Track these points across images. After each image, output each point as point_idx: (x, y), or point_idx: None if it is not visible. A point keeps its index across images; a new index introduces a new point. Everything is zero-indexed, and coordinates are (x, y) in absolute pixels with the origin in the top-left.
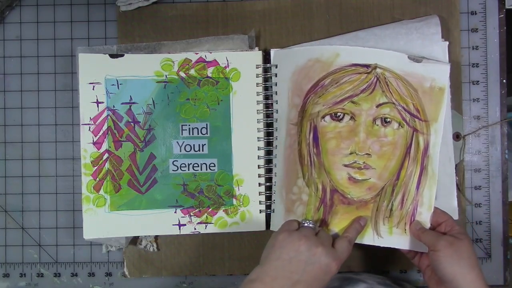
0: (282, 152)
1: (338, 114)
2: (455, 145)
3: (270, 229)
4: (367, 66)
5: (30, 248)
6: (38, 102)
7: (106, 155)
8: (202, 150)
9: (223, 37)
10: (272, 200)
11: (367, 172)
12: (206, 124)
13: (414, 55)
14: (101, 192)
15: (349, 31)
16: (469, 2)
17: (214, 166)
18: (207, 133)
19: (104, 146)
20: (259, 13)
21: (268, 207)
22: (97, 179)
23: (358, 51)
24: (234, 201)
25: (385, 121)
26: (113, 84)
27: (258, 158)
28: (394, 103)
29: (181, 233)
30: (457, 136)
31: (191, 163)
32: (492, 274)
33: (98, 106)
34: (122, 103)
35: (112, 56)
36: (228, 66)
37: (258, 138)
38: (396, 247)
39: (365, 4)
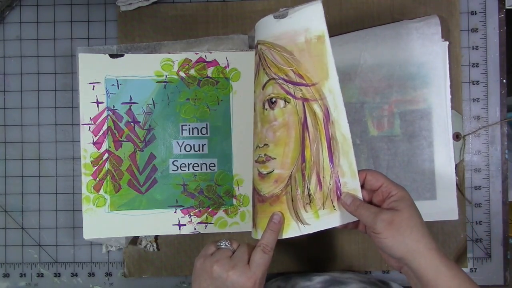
0: None
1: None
2: (455, 145)
3: None
4: (256, 46)
5: (30, 248)
6: (38, 102)
7: (106, 155)
8: (202, 150)
9: (223, 37)
10: None
11: (269, 164)
12: (206, 124)
13: (280, 10)
14: (101, 192)
15: (349, 31)
16: (469, 2)
17: (214, 166)
18: (207, 133)
19: (104, 146)
20: (259, 13)
21: None
22: (97, 179)
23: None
24: (234, 201)
25: (271, 102)
26: (113, 84)
27: None
28: (274, 78)
29: (181, 233)
30: (457, 136)
31: (191, 163)
32: (492, 274)
33: (98, 106)
34: (122, 103)
35: (112, 56)
36: (228, 66)
37: None
38: (329, 227)
39: (365, 4)
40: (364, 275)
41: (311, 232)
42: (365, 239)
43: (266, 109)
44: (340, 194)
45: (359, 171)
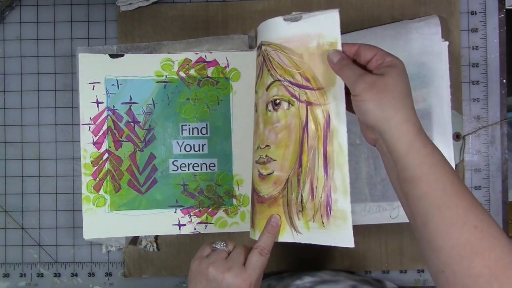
0: None
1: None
2: (455, 145)
3: None
4: (259, 47)
5: (30, 248)
6: (38, 102)
7: (106, 155)
8: (202, 150)
9: (223, 37)
10: None
11: (270, 166)
12: (206, 124)
13: (292, 14)
14: (101, 192)
15: (349, 31)
16: (469, 2)
17: (214, 166)
18: (207, 133)
19: (104, 146)
20: (259, 13)
21: None
22: (97, 179)
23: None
24: (234, 201)
25: (275, 104)
26: (113, 84)
27: None
28: (279, 80)
29: (181, 233)
30: (457, 136)
31: (191, 163)
32: None
33: (98, 106)
34: (122, 103)
35: (112, 56)
36: (228, 66)
37: None
38: (318, 244)
39: (365, 4)
40: (356, 276)
41: (302, 242)
42: (365, 239)
43: (270, 111)
44: (330, 211)
45: (351, 44)
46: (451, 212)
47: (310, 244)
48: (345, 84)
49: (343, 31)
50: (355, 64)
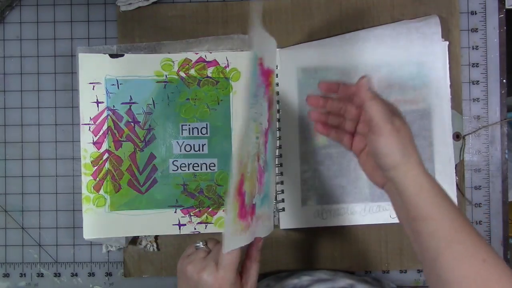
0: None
1: None
2: (455, 145)
3: (281, 227)
4: None
5: (30, 248)
6: (38, 102)
7: (106, 155)
8: (202, 150)
9: (223, 37)
10: (280, 199)
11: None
12: (206, 124)
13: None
14: (101, 192)
15: (349, 31)
16: (469, 2)
17: (214, 166)
18: (207, 133)
19: (104, 146)
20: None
21: None
22: (97, 179)
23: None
24: None
25: None
26: (113, 84)
27: None
28: None
29: (181, 233)
30: (457, 136)
31: (191, 163)
32: None
33: (98, 106)
34: (122, 103)
35: (112, 56)
36: (228, 66)
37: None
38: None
39: (365, 4)
40: (354, 275)
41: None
42: (365, 239)
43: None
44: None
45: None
46: (461, 247)
47: (315, 238)
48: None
49: (343, 32)
50: (385, 100)
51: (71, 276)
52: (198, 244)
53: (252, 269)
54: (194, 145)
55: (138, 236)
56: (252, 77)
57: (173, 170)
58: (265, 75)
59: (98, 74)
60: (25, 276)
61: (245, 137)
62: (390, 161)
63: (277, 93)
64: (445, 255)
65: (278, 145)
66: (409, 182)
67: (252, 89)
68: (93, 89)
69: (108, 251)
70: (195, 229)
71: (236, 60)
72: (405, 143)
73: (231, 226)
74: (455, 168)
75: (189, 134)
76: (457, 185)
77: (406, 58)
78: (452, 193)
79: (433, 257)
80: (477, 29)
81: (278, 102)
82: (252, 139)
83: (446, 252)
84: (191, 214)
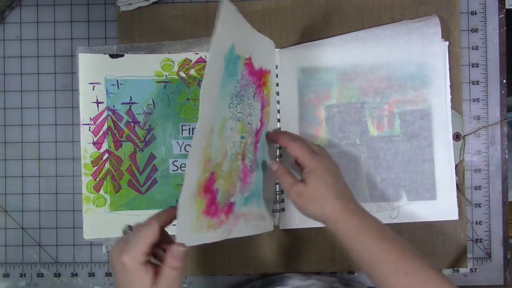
0: None
1: None
2: (455, 145)
3: (281, 228)
4: None
5: (30, 248)
6: (38, 102)
7: (106, 155)
8: None
9: None
10: (280, 199)
11: None
12: None
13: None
14: (101, 192)
15: (349, 31)
16: (469, 2)
17: None
18: None
19: (104, 146)
20: (259, 13)
21: None
22: (97, 179)
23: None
24: None
25: None
26: (113, 84)
27: None
28: None
29: None
30: (457, 136)
31: None
32: (492, 274)
33: (98, 106)
34: (122, 103)
35: (112, 56)
36: None
37: None
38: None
39: (365, 4)
40: (329, 277)
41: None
42: None
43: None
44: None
45: (283, 140)
46: (383, 266)
47: (312, 239)
48: None
49: (343, 32)
50: (289, 173)
51: (71, 276)
52: (125, 229)
53: (165, 274)
54: None
55: None
56: (229, 76)
57: (173, 170)
58: (256, 75)
59: (98, 74)
60: (25, 276)
61: (211, 136)
62: (305, 215)
63: (277, 93)
64: (375, 276)
65: (278, 145)
66: (328, 224)
67: (229, 89)
68: (93, 89)
69: (108, 251)
70: None
71: None
72: (310, 203)
73: (195, 223)
74: (455, 168)
75: (189, 134)
76: (457, 185)
77: (406, 58)
78: (452, 193)
79: (371, 280)
80: (477, 29)
81: (278, 102)
82: (234, 138)
83: (375, 273)
84: None
